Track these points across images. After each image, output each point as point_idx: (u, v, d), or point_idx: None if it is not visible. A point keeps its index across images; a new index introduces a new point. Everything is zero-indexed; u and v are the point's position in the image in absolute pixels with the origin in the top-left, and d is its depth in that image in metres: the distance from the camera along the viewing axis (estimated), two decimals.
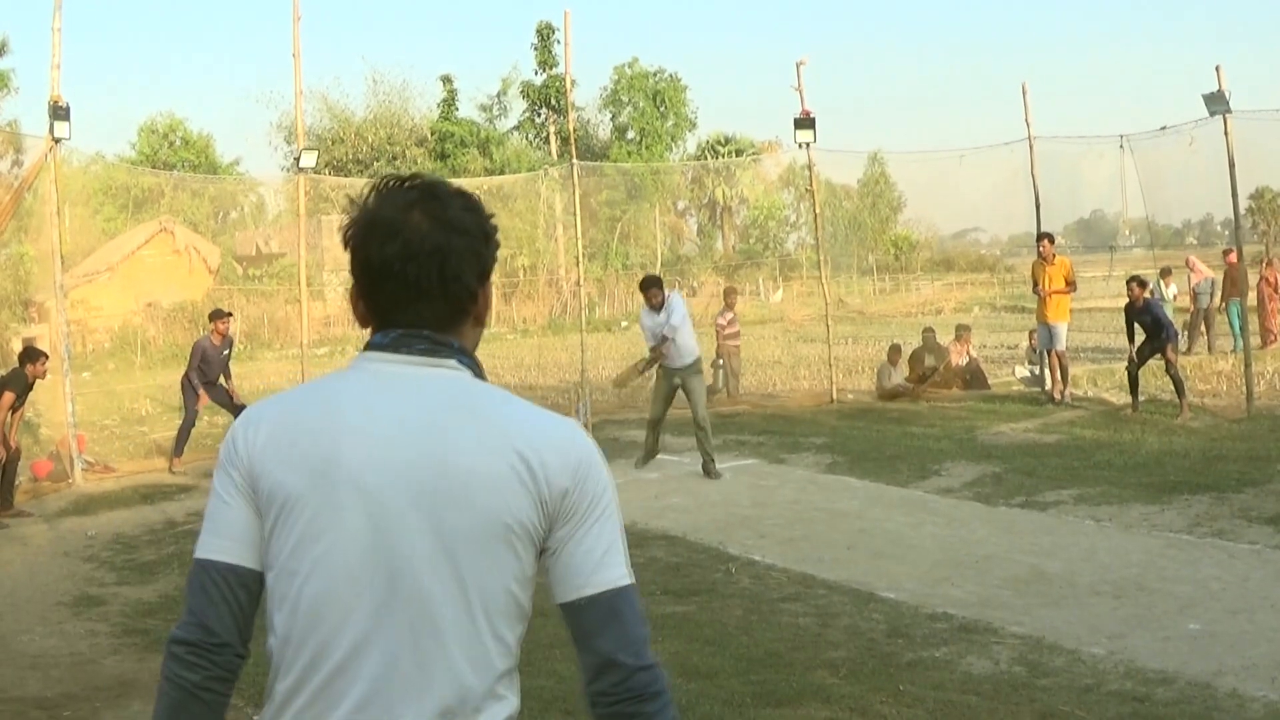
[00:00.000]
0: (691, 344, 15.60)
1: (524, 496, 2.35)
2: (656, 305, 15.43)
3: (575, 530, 2.41)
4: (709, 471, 15.37)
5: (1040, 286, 20.12)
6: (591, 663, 2.42)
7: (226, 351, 18.42)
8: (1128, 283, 19.04)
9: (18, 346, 18.10)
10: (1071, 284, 20.18)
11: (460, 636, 2.34)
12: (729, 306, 24.30)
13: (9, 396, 14.34)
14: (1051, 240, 20.71)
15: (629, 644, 2.40)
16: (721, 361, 23.39)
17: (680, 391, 15.70)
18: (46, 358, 15.07)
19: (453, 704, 2.33)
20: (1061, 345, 20.07)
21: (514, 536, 2.36)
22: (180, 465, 17.58)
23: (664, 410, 15.94)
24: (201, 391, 17.94)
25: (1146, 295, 18.76)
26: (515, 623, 2.46)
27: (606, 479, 2.46)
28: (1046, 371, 20.78)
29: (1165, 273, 28.04)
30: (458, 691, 2.33)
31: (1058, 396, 19.86)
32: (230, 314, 19.07)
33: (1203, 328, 27.71)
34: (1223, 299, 26.55)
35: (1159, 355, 18.24)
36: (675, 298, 15.69)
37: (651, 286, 15.69)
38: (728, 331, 23.36)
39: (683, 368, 15.43)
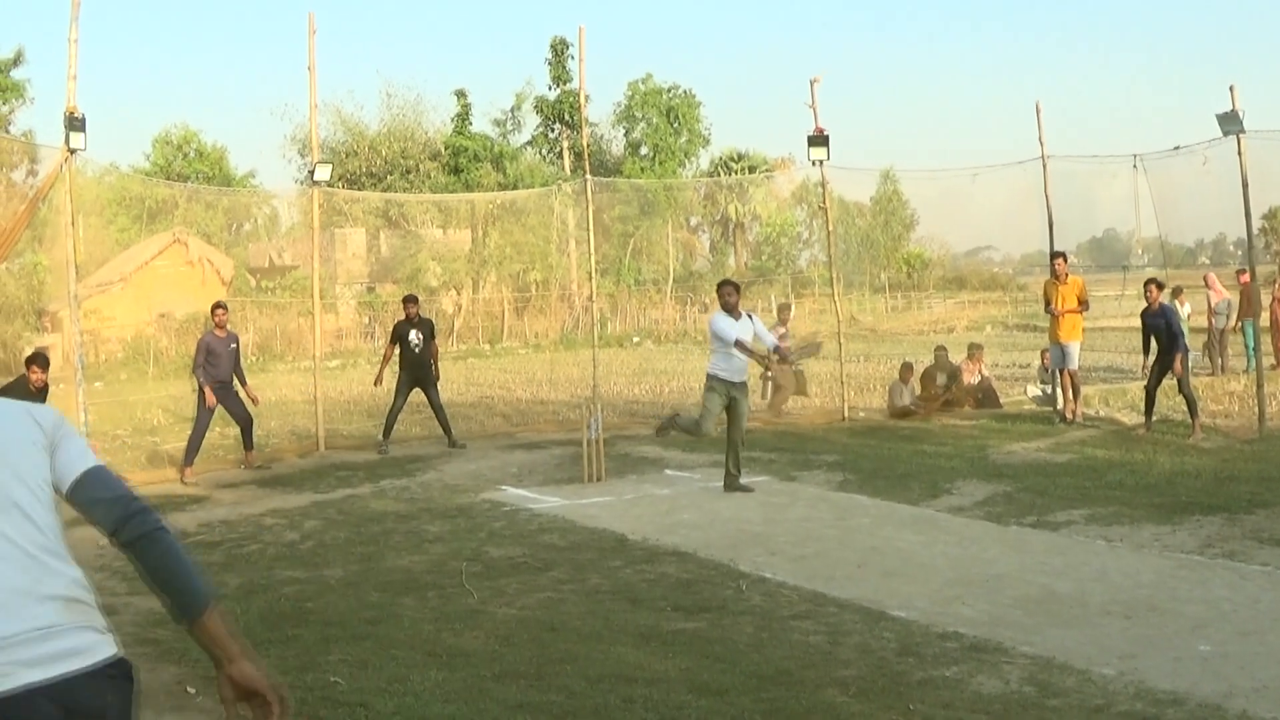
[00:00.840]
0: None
1: (37, 430, 3.55)
2: (732, 305, 15.33)
3: (61, 446, 3.57)
4: (731, 485, 15.39)
5: (1053, 305, 20.09)
6: (105, 515, 3.51)
7: (234, 345, 18.44)
8: (1145, 285, 18.98)
9: None
10: (1084, 303, 20.14)
11: (40, 522, 3.41)
12: (782, 322, 24.14)
13: None
14: (1065, 259, 20.68)
15: (122, 496, 3.56)
16: (771, 375, 23.32)
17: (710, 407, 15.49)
18: (46, 364, 15.01)
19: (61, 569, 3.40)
20: (1074, 365, 20.03)
21: (42, 450, 3.52)
22: (192, 475, 17.59)
23: (715, 424, 15.65)
24: (209, 391, 17.97)
25: (1163, 300, 18.73)
26: (54, 511, 3.50)
27: (69, 423, 3.71)
28: (1058, 391, 20.75)
29: (1177, 291, 27.98)
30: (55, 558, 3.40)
31: (1069, 416, 19.84)
32: (225, 306, 19.04)
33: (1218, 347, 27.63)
34: (1237, 319, 26.56)
35: (1171, 373, 18.23)
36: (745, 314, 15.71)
37: (726, 285, 15.67)
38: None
39: (740, 383, 15.41)
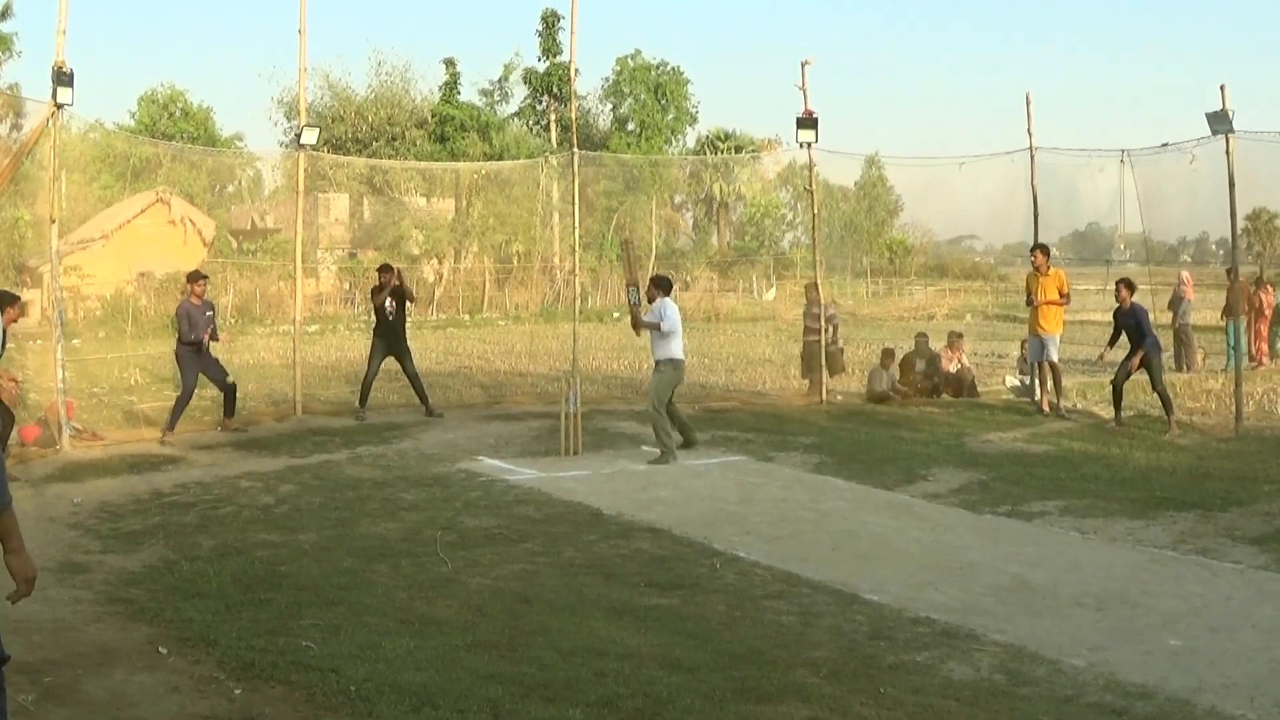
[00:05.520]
0: None
1: None
2: None
3: None
4: None
5: (1034, 297, 20.10)
6: None
7: (209, 313, 18.43)
8: (1116, 285, 19.05)
9: None
10: (1065, 296, 20.12)
11: None
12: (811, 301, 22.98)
13: None
14: (1046, 252, 20.58)
15: None
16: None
17: None
18: (15, 300, 14.90)
19: None
20: (1054, 356, 20.01)
21: None
22: (172, 437, 17.55)
23: None
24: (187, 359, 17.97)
25: (1134, 300, 18.78)
26: None
27: None
28: (1036, 382, 20.75)
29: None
30: None
31: (1046, 408, 19.84)
32: (206, 276, 19.05)
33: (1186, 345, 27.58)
34: (1222, 315, 26.71)
35: (1142, 368, 18.29)
36: None
37: None
38: (806, 324, 22.48)
39: None
